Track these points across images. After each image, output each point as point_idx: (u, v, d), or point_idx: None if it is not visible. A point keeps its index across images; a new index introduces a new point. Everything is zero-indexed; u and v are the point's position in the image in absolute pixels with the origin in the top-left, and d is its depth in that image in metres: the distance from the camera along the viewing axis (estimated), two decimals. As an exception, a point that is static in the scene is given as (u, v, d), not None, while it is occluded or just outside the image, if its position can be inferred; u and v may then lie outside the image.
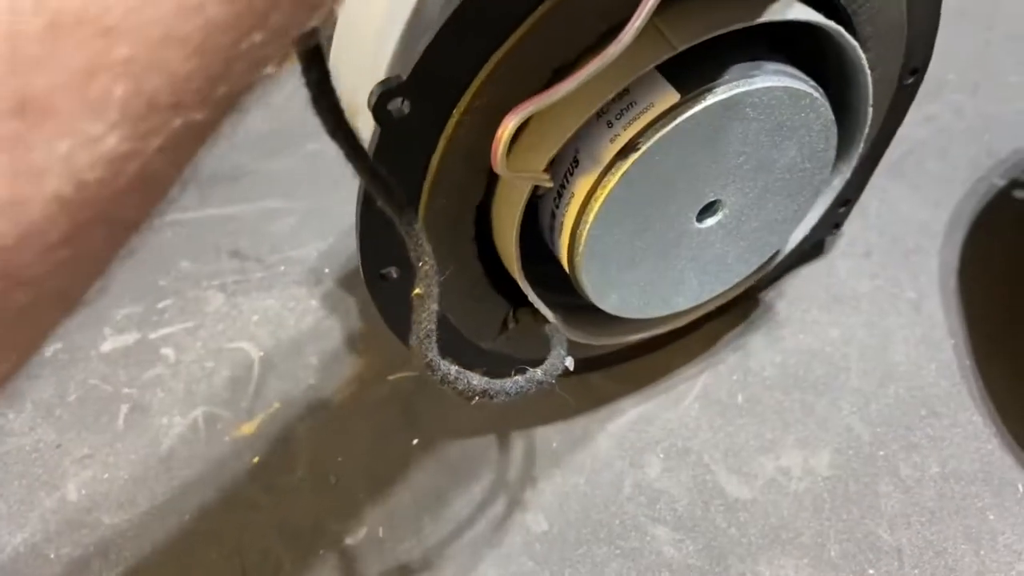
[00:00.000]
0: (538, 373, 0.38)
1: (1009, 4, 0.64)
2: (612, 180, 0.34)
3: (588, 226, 0.35)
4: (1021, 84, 0.59)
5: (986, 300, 0.51)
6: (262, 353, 0.54)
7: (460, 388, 0.34)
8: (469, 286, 0.40)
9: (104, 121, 0.16)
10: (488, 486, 0.48)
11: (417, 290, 0.30)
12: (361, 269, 0.37)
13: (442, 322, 0.39)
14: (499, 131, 0.30)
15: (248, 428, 0.52)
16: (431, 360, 0.32)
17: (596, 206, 0.34)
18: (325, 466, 0.50)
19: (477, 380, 0.35)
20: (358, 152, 0.25)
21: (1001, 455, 0.46)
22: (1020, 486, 0.45)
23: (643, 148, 0.33)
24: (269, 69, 0.19)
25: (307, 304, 0.56)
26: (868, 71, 0.38)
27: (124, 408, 0.54)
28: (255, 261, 0.58)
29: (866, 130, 0.41)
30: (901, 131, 0.58)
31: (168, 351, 0.56)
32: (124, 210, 0.17)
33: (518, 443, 0.49)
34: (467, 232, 0.38)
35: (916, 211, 0.55)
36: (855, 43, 0.37)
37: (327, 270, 0.57)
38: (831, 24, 0.35)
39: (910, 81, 0.43)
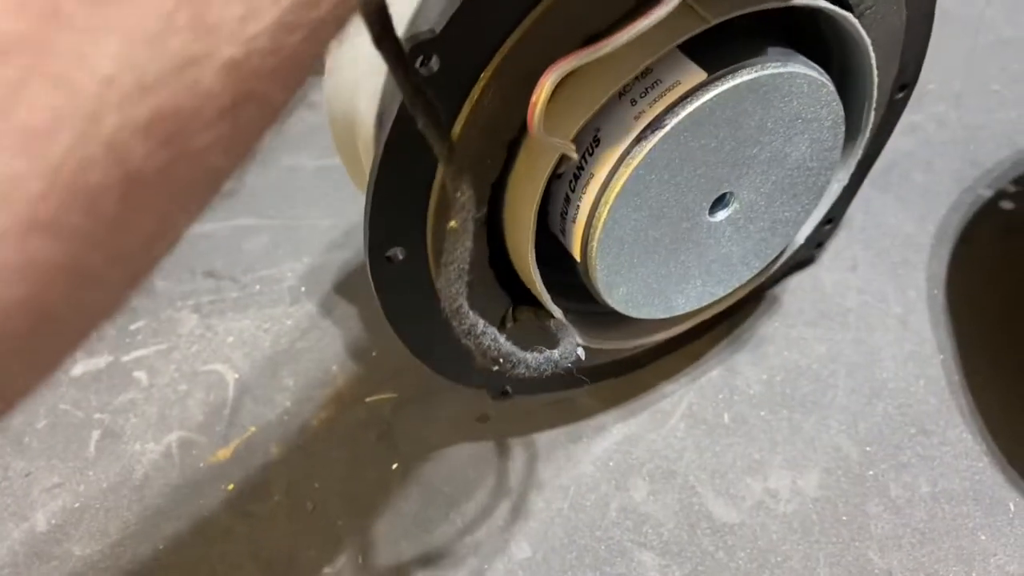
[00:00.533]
0: (555, 354, 0.37)
1: (991, 12, 0.63)
2: (636, 158, 0.33)
3: (608, 207, 0.34)
4: (1004, 93, 0.59)
5: (974, 314, 0.50)
6: (237, 376, 0.53)
7: (485, 345, 0.32)
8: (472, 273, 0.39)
9: (210, 108, 0.16)
10: (470, 511, 0.47)
11: (452, 223, 0.28)
12: (365, 248, 0.36)
13: (436, 312, 0.37)
14: (536, 89, 0.30)
15: (223, 454, 0.50)
16: (460, 306, 0.30)
17: (619, 185, 0.33)
18: (302, 492, 0.48)
19: (503, 341, 0.33)
20: (400, 62, 0.23)
21: (992, 473, 0.45)
22: (1012, 505, 0.44)
23: (669, 125, 0.32)
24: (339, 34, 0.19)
25: (283, 325, 0.54)
26: (875, 69, 0.38)
27: (95, 434, 0.53)
28: (230, 280, 0.57)
29: (868, 133, 0.41)
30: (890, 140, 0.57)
31: (141, 374, 0.55)
32: (274, 90, 0.18)
33: (500, 467, 0.48)
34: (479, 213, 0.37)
35: (902, 223, 0.54)
36: (867, 38, 0.36)
37: (303, 289, 0.56)
38: (848, 16, 0.35)
39: (900, 96, 0.43)
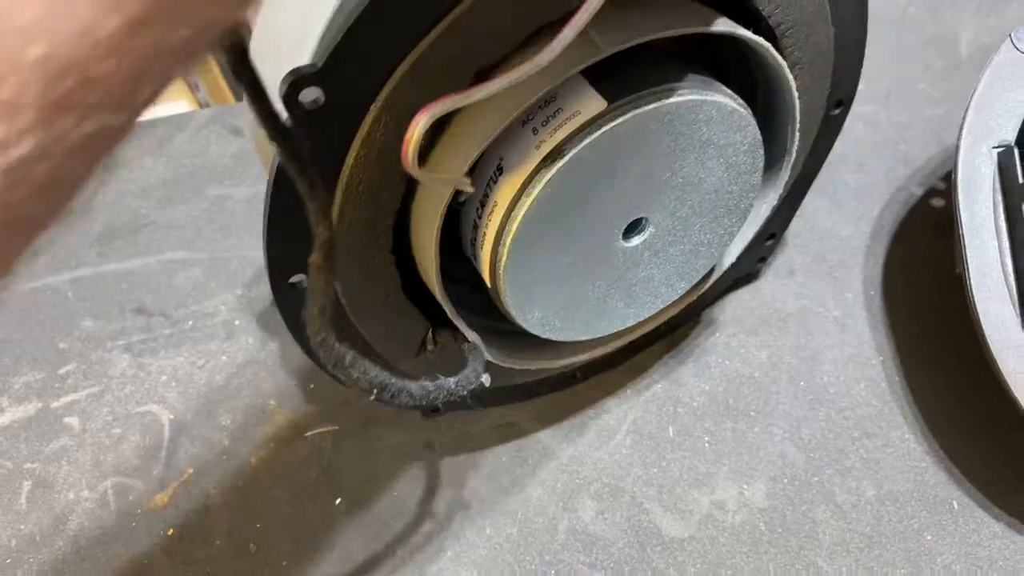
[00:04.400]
0: (449, 382, 0.36)
1: (915, 11, 0.64)
2: (536, 188, 0.32)
3: (511, 236, 0.33)
4: (930, 91, 0.59)
5: (910, 313, 0.50)
6: (172, 416, 0.51)
7: (355, 376, 0.32)
8: (385, 300, 0.38)
9: (12, 125, 0.15)
10: (417, 543, 0.46)
11: (313, 257, 0.27)
12: (268, 276, 0.35)
13: (359, 341, 0.36)
14: (409, 129, 0.29)
15: (161, 498, 0.49)
16: (324, 339, 0.29)
17: (520, 215, 0.33)
18: (244, 534, 0.47)
19: (376, 371, 0.33)
20: (258, 95, 0.23)
21: (935, 472, 0.46)
22: (955, 503, 0.45)
23: (568, 155, 0.32)
24: (190, 67, 0.17)
25: (217, 361, 0.53)
26: (795, 92, 0.38)
27: (26, 485, 0.51)
28: (161, 317, 0.55)
29: (793, 155, 0.41)
30: (817, 145, 0.57)
31: (72, 420, 0.53)
32: (31, 211, 0.16)
33: (446, 495, 0.47)
34: (384, 242, 0.36)
35: (838, 227, 0.54)
36: (782, 62, 0.36)
37: (237, 323, 0.54)
38: (760, 40, 0.34)
39: (836, 112, 0.43)
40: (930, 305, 0.50)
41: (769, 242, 0.49)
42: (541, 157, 0.32)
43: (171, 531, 0.48)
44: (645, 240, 0.38)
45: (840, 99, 0.43)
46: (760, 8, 0.35)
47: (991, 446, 0.46)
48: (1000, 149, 0.42)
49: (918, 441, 0.47)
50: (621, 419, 0.49)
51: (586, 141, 0.32)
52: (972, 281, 0.41)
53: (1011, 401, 0.41)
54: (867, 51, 0.61)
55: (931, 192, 0.54)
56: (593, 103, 0.32)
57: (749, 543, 0.45)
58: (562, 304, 0.38)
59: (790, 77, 0.37)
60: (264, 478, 0.48)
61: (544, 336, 0.39)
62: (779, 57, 0.36)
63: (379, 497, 0.47)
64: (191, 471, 0.49)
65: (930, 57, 0.61)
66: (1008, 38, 0.43)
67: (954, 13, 0.63)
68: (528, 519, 0.46)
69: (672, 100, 0.32)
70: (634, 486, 0.47)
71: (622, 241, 0.37)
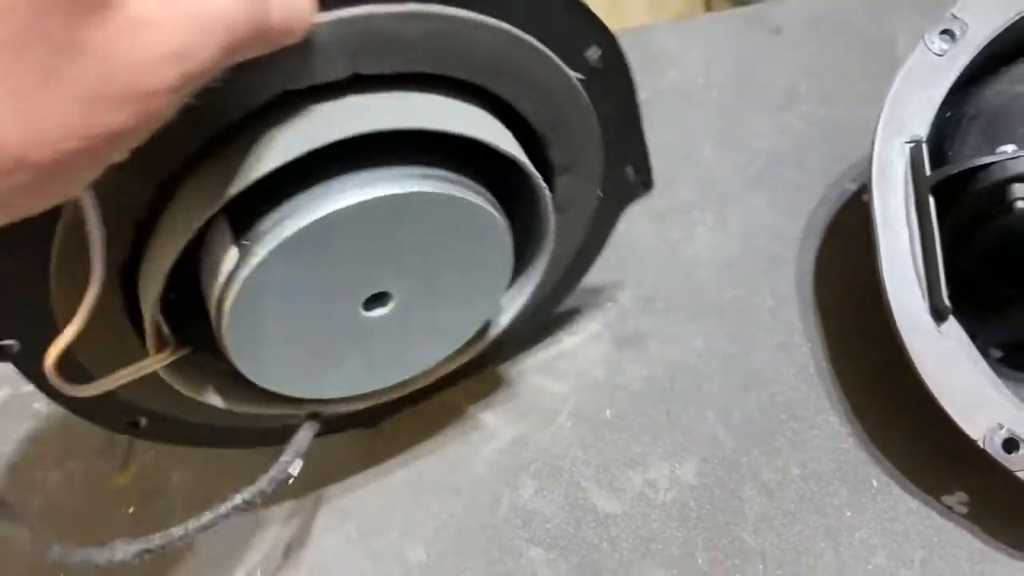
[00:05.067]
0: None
1: (857, 12, 0.66)
2: (245, 269, 0.32)
3: (230, 304, 0.33)
4: (869, 91, 0.61)
5: (839, 303, 0.53)
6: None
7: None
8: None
9: None
10: (367, 519, 0.48)
11: None
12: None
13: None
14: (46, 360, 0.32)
15: (124, 479, 0.51)
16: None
17: (236, 287, 0.32)
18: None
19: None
20: None
21: (856, 453, 0.48)
22: (874, 481, 0.47)
23: (260, 256, 0.32)
24: None
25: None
26: (547, 194, 0.38)
27: (-2, 466, 0.53)
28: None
29: (551, 238, 0.41)
30: (758, 142, 0.60)
31: (40, 405, 0.55)
32: None
33: (397, 474, 0.50)
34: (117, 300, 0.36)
35: (775, 220, 0.57)
36: (532, 170, 0.36)
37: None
38: (484, 138, 0.34)
39: (617, 188, 0.44)
40: (858, 295, 0.52)
41: (561, 297, 0.50)
42: (238, 257, 0.32)
43: (131, 509, 0.50)
44: (389, 312, 0.38)
45: (621, 178, 0.44)
46: (522, 110, 0.36)
47: (909, 428, 0.48)
48: (912, 144, 0.44)
49: (842, 423, 0.49)
50: (562, 403, 0.51)
51: (281, 239, 0.32)
52: (884, 270, 0.44)
53: (923, 385, 0.43)
54: (809, 51, 0.64)
55: (863, 189, 0.57)
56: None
57: (679, 519, 0.47)
58: (293, 365, 0.38)
59: (541, 186, 0.37)
60: (223, 460, 0.50)
61: (276, 391, 0.39)
62: (510, 150, 0.35)
63: (331, 476, 0.50)
64: (152, 453, 0.52)
65: (868, 59, 0.63)
66: (922, 40, 0.46)
67: (894, 17, 0.65)
68: (472, 497, 0.48)
69: (386, 193, 0.32)
70: (572, 466, 0.49)
71: (363, 311, 0.37)
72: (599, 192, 0.44)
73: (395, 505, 0.49)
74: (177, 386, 0.39)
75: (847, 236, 0.55)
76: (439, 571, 0.46)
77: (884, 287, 0.44)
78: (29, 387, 0.55)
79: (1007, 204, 0.41)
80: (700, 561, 0.46)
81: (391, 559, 0.47)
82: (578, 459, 0.49)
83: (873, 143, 0.45)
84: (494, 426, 0.51)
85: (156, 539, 0.37)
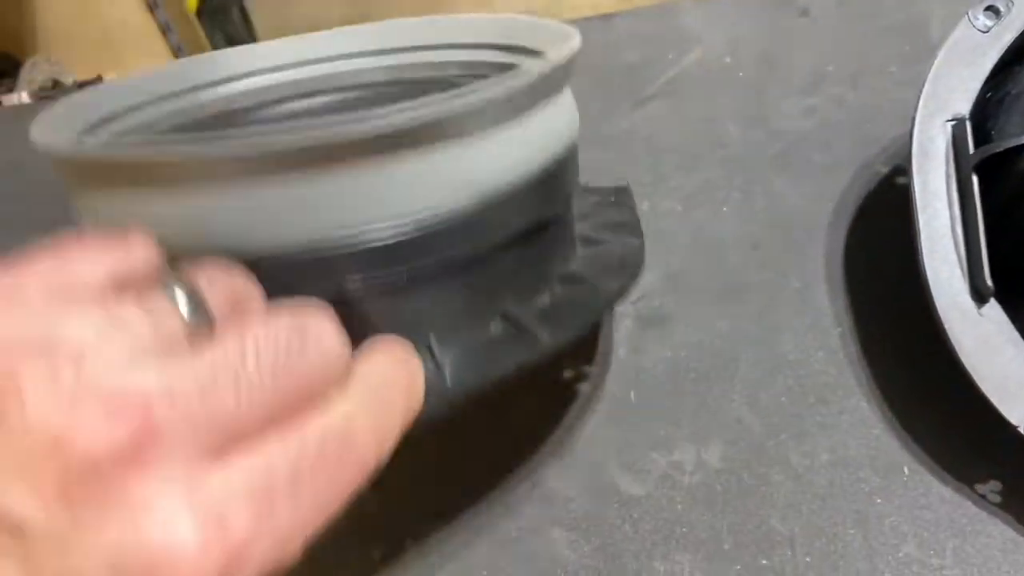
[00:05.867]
0: None
1: (887, -3, 0.65)
2: None
3: None
4: (900, 74, 0.60)
5: (870, 287, 0.52)
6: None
7: None
8: None
9: None
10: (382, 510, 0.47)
11: None
12: None
13: None
14: None
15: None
16: None
17: None
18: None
19: None
20: None
21: (887, 439, 0.47)
22: (906, 469, 0.46)
23: None
24: None
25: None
26: None
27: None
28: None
29: None
30: (785, 124, 0.59)
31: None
32: None
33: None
34: None
35: (802, 202, 0.55)
36: None
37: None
38: None
39: None
40: (889, 278, 0.51)
41: None
42: None
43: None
44: None
45: None
46: None
47: (943, 414, 0.47)
48: (954, 122, 0.43)
49: (872, 409, 0.48)
50: (587, 384, 0.50)
51: None
52: (924, 250, 0.43)
53: (961, 370, 0.42)
54: (837, 34, 0.63)
55: (896, 171, 0.56)
56: None
57: (704, 502, 0.46)
58: None
59: None
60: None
61: None
62: None
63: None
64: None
65: (900, 42, 0.62)
66: (966, 16, 0.45)
67: (925, 0, 0.64)
68: (496, 478, 0.47)
69: None
70: (594, 447, 0.48)
71: None
72: None
73: (412, 489, 0.47)
74: None
75: (878, 219, 0.54)
76: (458, 550, 0.45)
77: (923, 267, 0.42)
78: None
79: (1052, 184, 0.40)
80: (726, 546, 0.44)
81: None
82: (600, 440, 0.48)
83: (913, 120, 0.44)
84: (516, 405, 0.49)
85: None
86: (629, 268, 0.41)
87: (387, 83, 0.47)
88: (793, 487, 0.46)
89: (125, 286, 0.22)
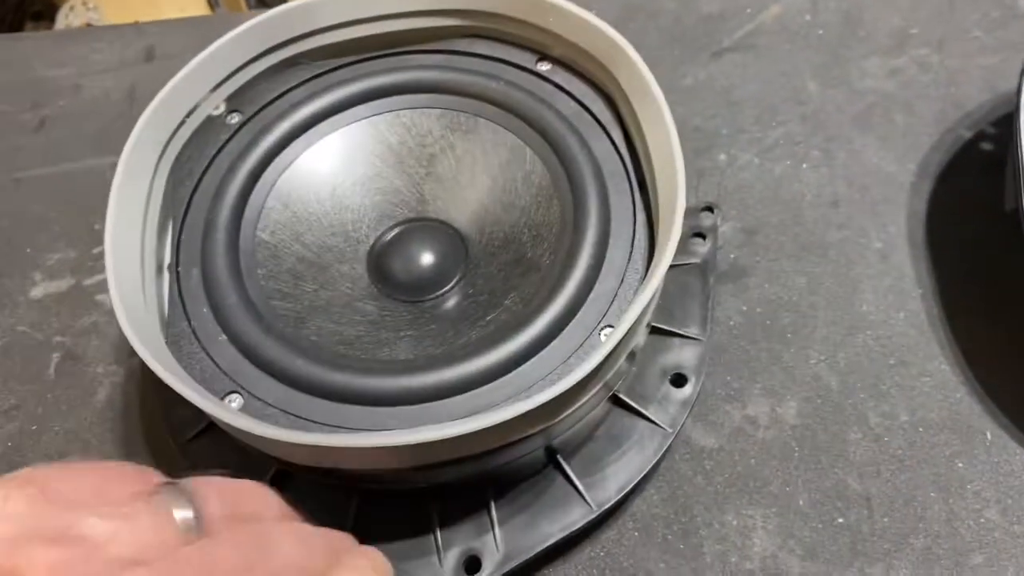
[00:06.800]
0: None
1: (974, -38, 0.63)
2: None
3: None
4: (985, 39, 0.59)
5: (953, 249, 0.50)
6: (206, 299, 0.51)
7: None
8: None
9: None
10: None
11: None
12: None
13: None
14: None
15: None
16: None
17: None
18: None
19: None
20: None
21: (969, 403, 0.45)
22: (988, 434, 0.44)
23: None
24: None
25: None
26: None
27: (55, 357, 0.51)
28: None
29: None
30: (866, 83, 0.57)
31: (104, 298, 0.53)
32: None
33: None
34: None
35: (883, 163, 0.54)
36: None
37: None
38: None
39: None
40: (974, 242, 0.50)
41: None
42: None
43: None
44: None
45: None
46: None
47: (1026, 381, 0.45)
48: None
49: (954, 372, 0.46)
50: (657, 332, 0.49)
51: None
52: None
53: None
54: (925, -4, 0.61)
55: (981, 136, 0.54)
56: None
57: (779, 457, 0.44)
58: None
59: None
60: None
61: None
62: None
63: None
64: (222, 352, 0.49)
65: (986, 7, 0.60)
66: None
67: (1013, -34, 0.62)
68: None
69: None
70: (666, 396, 0.46)
71: None
72: None
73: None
74: None
75: (962, 182, 0.52)
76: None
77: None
78: (92, 279, 0.54)
79: None
80: (801, 502, 0.43)
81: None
82: (672, 390, 0.47)
83: (1020, 87, 0.43)
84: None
85: None
86: None
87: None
88: (871, 447, 0.44)
89: (139, 496, 0.25)
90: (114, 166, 0.39)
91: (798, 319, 0.49)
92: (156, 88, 0.47)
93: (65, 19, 1.57)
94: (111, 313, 0.52)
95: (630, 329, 0.34)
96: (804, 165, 0.54)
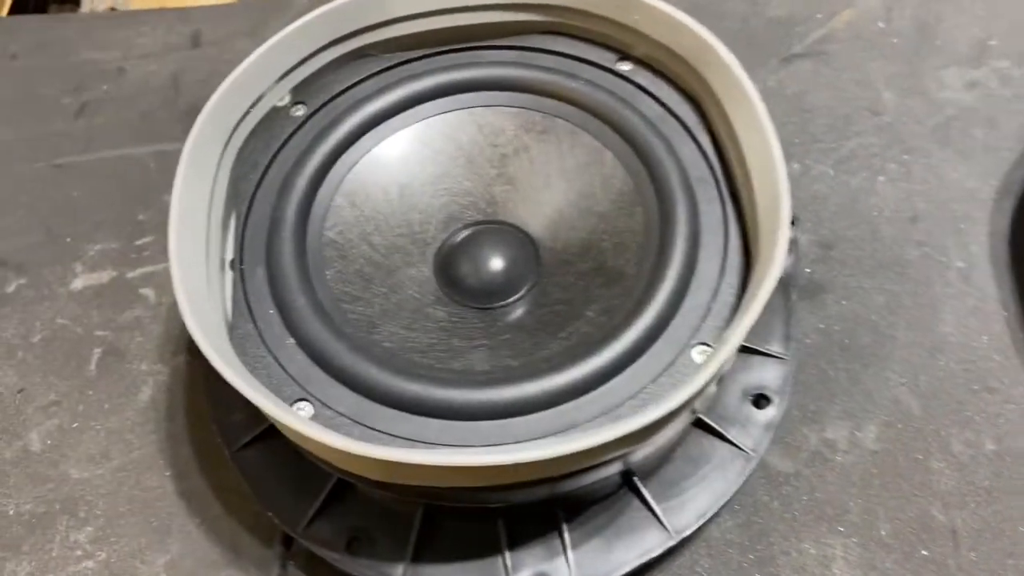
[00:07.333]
0: None
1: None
2: None
3: None
4: (1068, 53, 0.57)
5: (1040, 272, 0.48)
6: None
7: None
8: None
9: None
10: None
11: None
12: None
13: None
14: None
15: (238, 378, 0.47)
16: None
17: None
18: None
19: None
20: None
21: (1059, 434, 0.43)
22: (1080, 467, 0.42)
23: None
24: None
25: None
26: None
27: (97, 352, 0.49)
28: (248, 198, 0.53)
29: None
30: (945, 95, 0.55)
31: (148, 291, 0.51)
32: None
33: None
34: None
35: (963, 178, 0.52)
36: None
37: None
38: None
39: None
40: (1061, 266, 0.48)
41: None
42: None
43: (248, 412, 0.46)
44: None
45: None
46: None
47: (1122, 412, 0.43)
48: None
49: (1043, 400, 0.44)
50: (728, 347, 0.46)
51: None
52: None
53: None
54: (1000, 7, 0.59)
55: (1066, 153, 0.52)
56: None
57: (859, 484, 0.42)
58: None
59: None
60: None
61: None
62: None
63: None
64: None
65: (1069, 20, 0.58)
66: None
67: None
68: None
69: None
70: (740, 416, 0.44)
71: None
72: None
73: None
74: None
75: (1048, 202, 0.50)
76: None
77: None
78: (136, 271, 0.52)
79: None
80: (883, 532, 0.41)
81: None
82: (745, 409, 0.45)
83: None
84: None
85: None
86: None
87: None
88: (955, 476, 0.42)
89: None
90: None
91: (877, 339, 0.46)
92: (202, 75, 0.45)
93: (90, 2, 1.55)
94: (155, 308, 0.50)
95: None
96: (881, 178, 0.52)
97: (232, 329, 0.36)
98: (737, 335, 0.31)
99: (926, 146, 0.53)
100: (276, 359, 0.35)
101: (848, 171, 0.52)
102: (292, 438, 0.35)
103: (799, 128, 0.54)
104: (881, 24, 0.59)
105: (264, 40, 0.41)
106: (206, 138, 0.39)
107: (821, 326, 0.47)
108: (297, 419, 0.32)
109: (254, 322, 0.36)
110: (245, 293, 0.37)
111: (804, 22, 0.60)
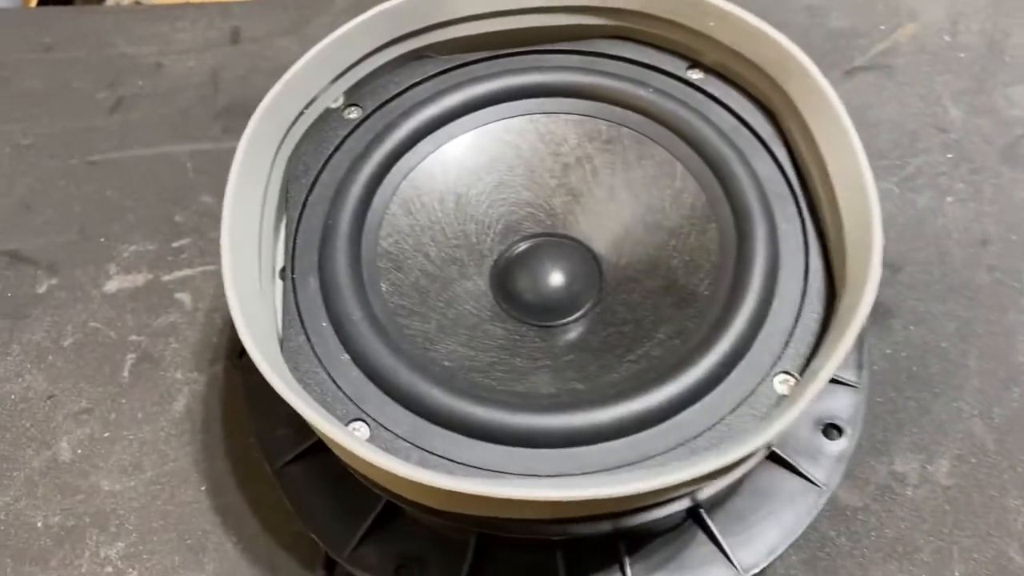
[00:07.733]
0: None
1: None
2: None
3: None
4: None
5: (1118, 302, 0.46)
6: (296, 305, 0.47)
7: None
8: None
9: None
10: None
11: None
12: None
13: None
14: None
15: (278, 390, 0.45)
16: None
17: None
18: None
19: None
20: None
21: None
22: None
23: None
24: None
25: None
26: None
27: (130, 358, 0.47)
28: (289, 202, 0.51)
29: None
30: (1015, 113, 0.53)
31: (184, 296, 0.49)
32: None
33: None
34: None
35: (1036, 200, 0.49)
36: None
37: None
38: None
39: None
40: None
41: None
42: None
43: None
44: None
45: None
46: None
47: None
48: None
49: (1125, 438, 0.42)
50: (791, 372, 0.44)
51: None
52: None
53: None
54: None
55: None
56: None
57: (931, 521, 0.40)
58: None
59: None
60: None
61: None
62: None
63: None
64: (315, 365, 0.45)
65: None
66: None
67: None
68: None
69: None
70: (804, 445, 0.42)
71: None
72: None
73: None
74: None
75: None
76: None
77: None
78: (172, 275, 0.50)
79: None
80: (956, 574, 0.39)
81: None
82: (810, 438, 0.42)
83: None
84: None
85: None
86: None
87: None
88: (1034, 516, 0.40)
89: None
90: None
91: (948, 367, 0.44)
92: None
93: (115, -3, 1.53)
94: (191, 313, 0.48)
95: None
96: (948, 198, 0.50)
97: (283, 341, 0.34)
98: (828, 368, 0.29)
99: (995, 166, 0.51)
100: (329, 375, 0.33)
101: (913, 189, 0.50)
102: (345, 459, 0.33)
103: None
104: (947, 38, 0.57)
105: (305, 38, 0.39)
106: (259, 139, 0.37)
107: (889, 352, 0.45)
108: (356, 442, 0.30)
109: (307, 335, 0.34)
110: (297, 304, 0.35)
111: (867, 34, 0.57)
